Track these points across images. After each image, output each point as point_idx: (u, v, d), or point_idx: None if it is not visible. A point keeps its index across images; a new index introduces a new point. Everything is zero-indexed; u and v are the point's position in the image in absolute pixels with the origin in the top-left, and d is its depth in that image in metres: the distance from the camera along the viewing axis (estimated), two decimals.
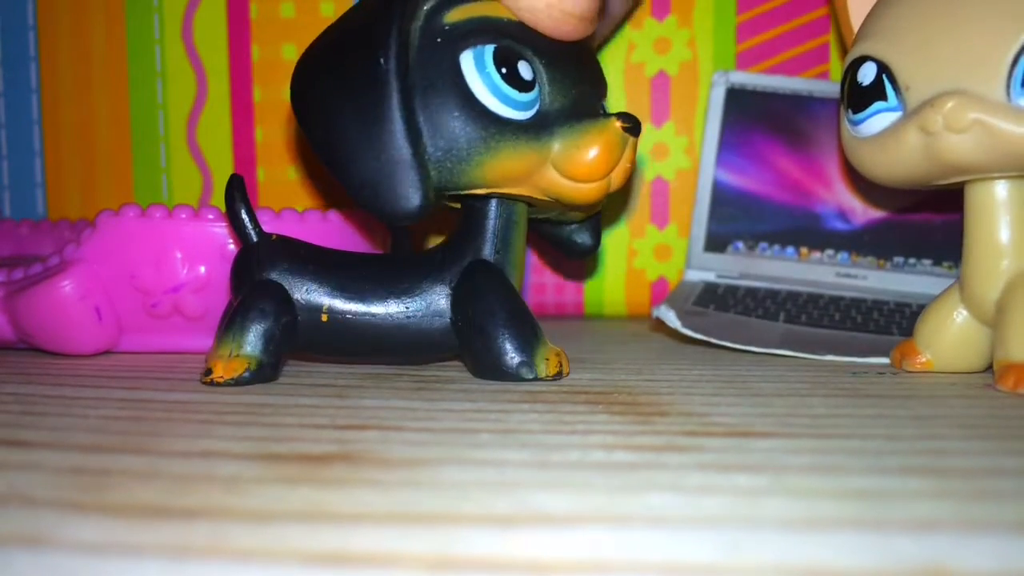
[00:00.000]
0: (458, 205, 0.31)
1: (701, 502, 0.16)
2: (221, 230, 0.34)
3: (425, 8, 0.28)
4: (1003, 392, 0.27)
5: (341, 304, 0.29)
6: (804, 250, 0.44)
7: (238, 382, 0.28)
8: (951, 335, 0.31)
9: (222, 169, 0.49)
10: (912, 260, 0.42)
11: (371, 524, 0.15)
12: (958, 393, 0.27)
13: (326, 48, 0.30)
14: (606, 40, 0.47)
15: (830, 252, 0.43)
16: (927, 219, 0.43)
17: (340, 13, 0.30)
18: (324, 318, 0.29)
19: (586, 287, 0.49)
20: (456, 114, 0.28)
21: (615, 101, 0.48)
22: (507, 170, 0.28)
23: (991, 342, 0.30)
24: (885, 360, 0.33)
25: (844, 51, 0.36)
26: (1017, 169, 0.28)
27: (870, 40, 0.30)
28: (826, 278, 0.43)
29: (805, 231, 0.44)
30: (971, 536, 0.14)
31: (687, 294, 0.42)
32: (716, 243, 0.45)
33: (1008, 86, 0.27)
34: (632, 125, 0.29)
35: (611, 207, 0.49)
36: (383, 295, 0.29)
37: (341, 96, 0.28)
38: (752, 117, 0.45)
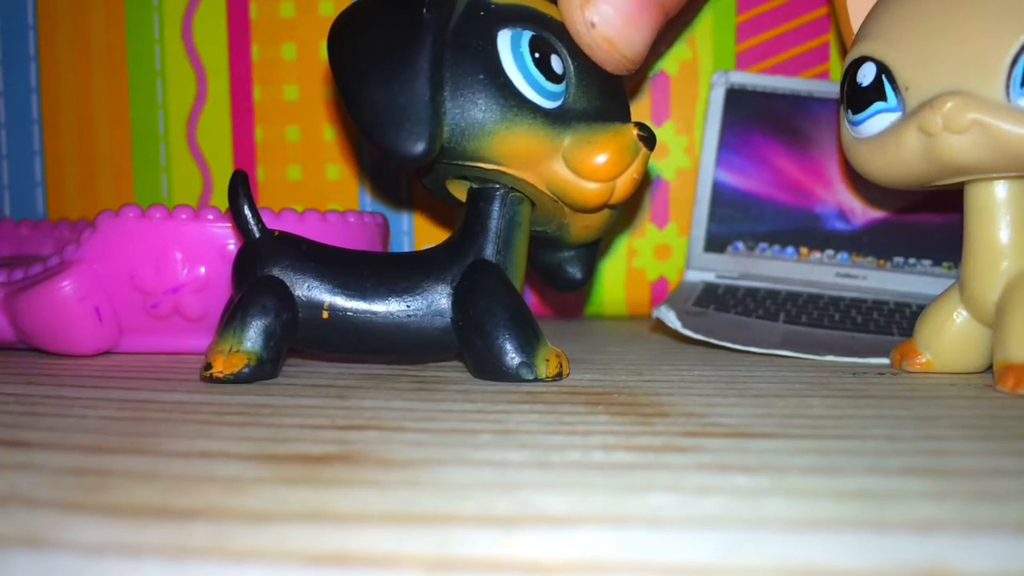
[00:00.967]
0: (462, 198, 0.31)
1: (701, 502, 0.16)
2: (221, 231, 0.34)
3: None
4: (1003, 393, 0.27)
5: (342, 301, 0.29)
6: (804, 250, 0.44)
7: (237, 378, 0.28)
8: (951, 336, 0.31)
9: (222, 169, 0.49)
10: (912, 260, 0.42)
11: (371, 524, 0.15)
12: (958, 394, 0.27)
13: (369, 5, 0.30)
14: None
15: (830, 252, 0.43)
16: (927, 219, 0.43)
17: (339, 12, 0.30)
18: (325, 315, 0.29)
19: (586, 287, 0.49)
20: (482, 78, 0.28)
21: None
22: (518, 148, 0.29)
23: (991, 343, 0.30)
24: (885, 360, 0.33)
25: (844, 51, 0.36)
26: (1017, 169, 0.28)
27: (870, 40, 0.30)
28: (826, 278, 0.43)
29: (805, 231, 0.44)
30: (972, 537, 0.14)
31: (687, 294, 0.42)
32: (716, 243, 0.45)
33: (1007, 86, 0.27)
34: (648, 135, 0.29)
35: (616, 217, 0.48)
36: (384, 293, 0.29)
37: (376, 37, 0.29)
38: (752, 117, 0.45)
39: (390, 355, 0.32)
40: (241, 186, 0.30)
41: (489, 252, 0.30)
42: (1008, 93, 0.27)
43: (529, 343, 0.29)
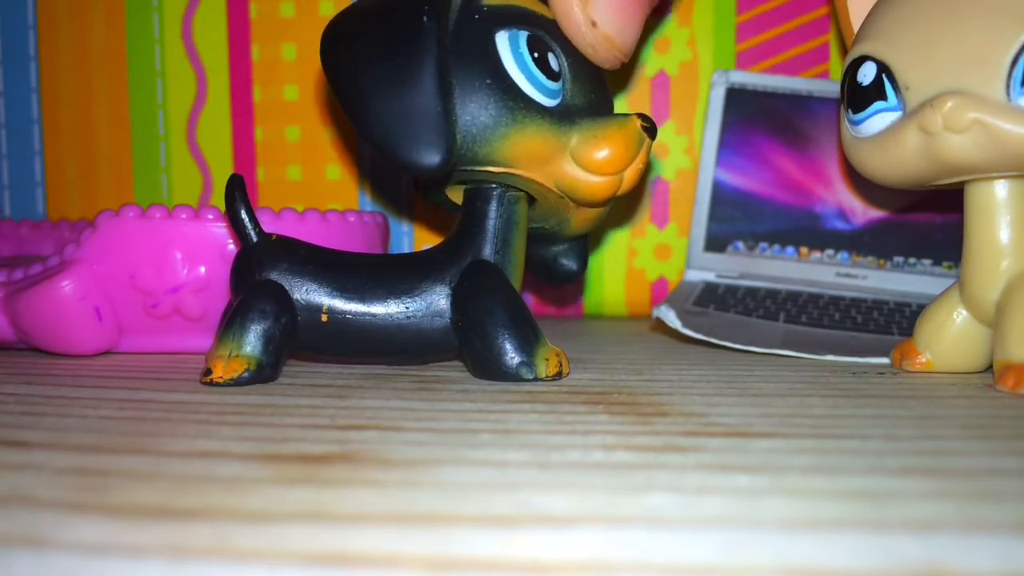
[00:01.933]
0: (459, 201, 0.31)
1: (701, 502, 0.16)
2: (221, 230, 0.34)
3: None
4: (1003, 392, 0.27)
5: (341, 304, 0.29)
6: (804, 250, 0.44)
7: (237, 382, 0.28)
8: (951, 335, 0.31)
9: (222, 169, 0.49)
10: (912, 260, 0.42)
11: (371, 524, 0.15)
12: (958, 393, 0.27)
13: (364, 5, 0.30)
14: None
15: (830, 252, 0.43)
16: (927, 219, 0.43)
17: (330, 21, 0.30)
18: (324, 318, 0.29)
19: (586, 287, 0.49)
20: (488, 82, 0.28)
21: (614, 101, 0.48)
22: (528, 149, 0.29)
23: (991, 342, 0.30)
24: (885, 360, 0.33)
25: (844, 51, 0.36)
26: (1017, 169, 0.28)
27: (870, 40, 0.30)
28: (826, 278, 0.43)
29: (805, 231, 0.44)
30: (972, 536, 0.14)
31: (687, 294, 0.42)
32: (716, 243, 0.45)
33: (1008, 86, 0.27)
34: (651, 126, 0.30)
35: (611, 208, 0.48)
36: (383, 295, 0.29)
37: (377, 46, 0.28)
38: (752, 117, 0.45)
39: (390, 357, 0.32)
40: (238, 190, 0.30)
41: (487, 252, 0.30)
42: (1008, 92, 0.27)
43: (529, 343, 0.29)
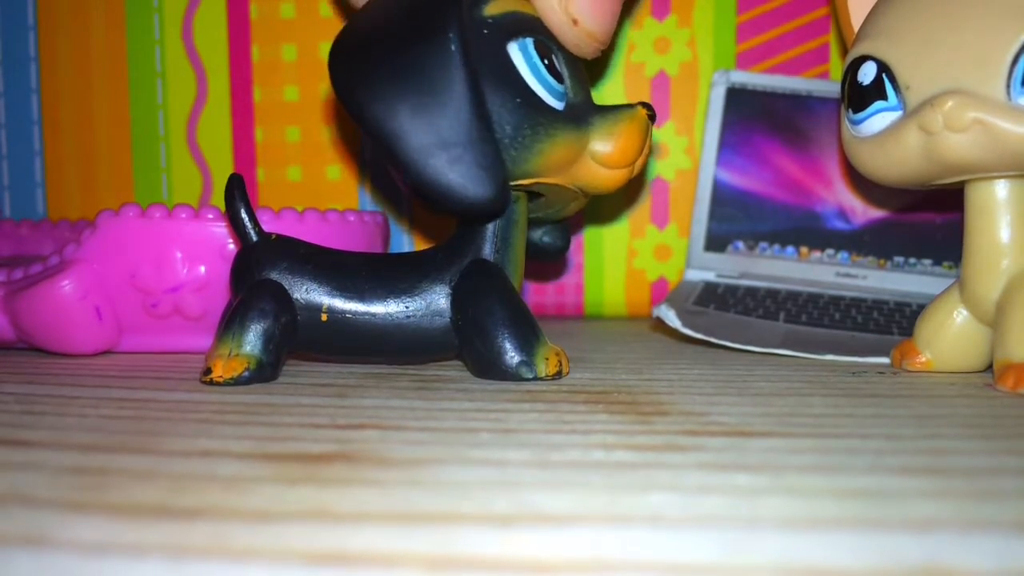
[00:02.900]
0: None
1: (701, 501, 0.16)
2: (221, 230, 0.34)
3: (470, 3, 0.28)
4: (1003, 392, 0.27)
5: (340, 303, 0.29)
6: (804, 250, 0.44)
7: (237, 381, 0.28)
8: (951, 335, 0.31)
9: (222, 169, 0.49)
10: (912, 260, 0.42)
11: (371, 523, 0.15)
12: (958, 393, 0.27)
13: (374, 36, 0.28)
14: None
15: (830, 252, 0.43)
16: (927, 219, 0.43)
17: (339, 13, 0.30)
18: (324, 317, 0.29)
19: (586, 287, 0.49)
20: (519, 101, 0.28)
21: (615, 101, 0.48)
22: (558, 159, 0.29)
23: (991, 342, 0.30)
24: (885, 360, 0.33)
25: (844, 51, 0.36)
26: (1017, 168, 0.28)
27: (870, 40, 0.30)
28: (826, 278, 0.43)
29: (805, 231, 0.44)
30: (972, 535, 0.14)
31: (687, 294, 0.42)
32: (716, 243, 0.45)
33: (1008, 85, 0.27)
34: (653, 112, 0.31)
35: (611, 208, 0.49)
36: (383, 295, 0.29)
37: (405, 85, 0.27)
38: (752, 117, 0.45)
39: (390, 356, 0.32)
40: (237, 190, 0.30)
41: (487, 251, 0.30)
42: (1008, 92, 0.27)
43: (528, 342, 0.29)
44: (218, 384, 0.28)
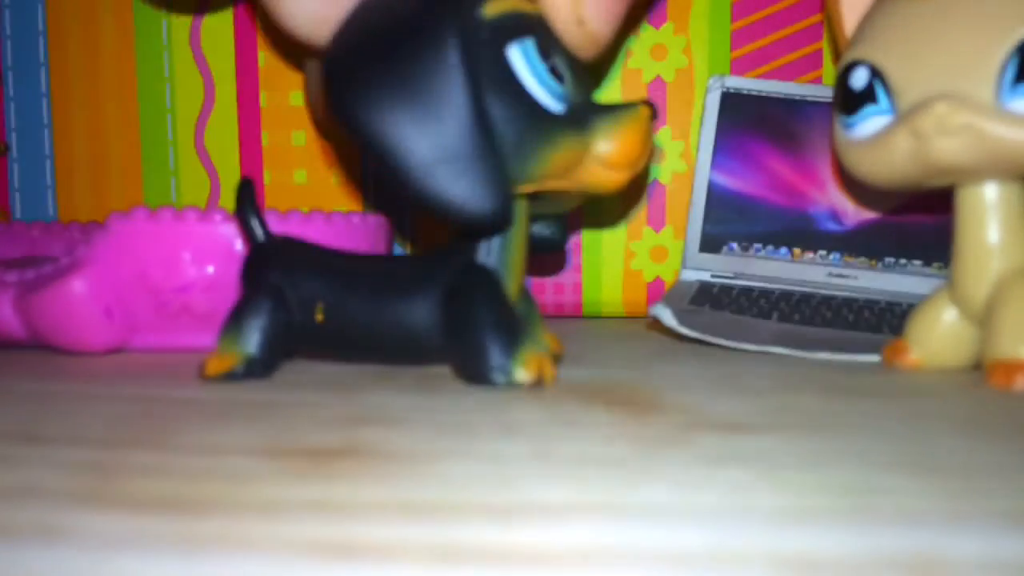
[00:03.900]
0: None
1: (697, 495, 0.16)
2: (228, 231, 0.34)
3: (467, 4, 0.27)
4: (993, 389, 0.27)
5: (335, 304, 0.29)
6: (797, 250, 0.44)
7: (230, 376, 0.28)
8: (941, 333, 0.31)
9: (230, 172, 0.50)
10: (903, 261, 0.43)
11: (376, 516, 0.15)
12: (947, 390, 0.28)
13: (371, 47, 0.27)
14: None
15: (822, 253, 0.44)
16: (918, 220, 0.43)
17: (334, 41, 0.29)
18: (319, 318, 0.29)
19: (584, 287, 0.50)
20: (521, 109, 0.27)
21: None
22: (560, 164, 0.28)
23: (981, 340, 0.30)
24: (876, 358, 0.33)
25: (838, 57, 0.36)
26: (1007, 172, 0.29)
27: (863, 45, 0.31)
28: (818, 278, 0.43)
29: (798, 232, 0.44)
30: (957, 526, 0.15)
31: (683, 293, 0.42)
32: (711, 244, 0.45)
33: (998, 89, 0.27)
34: (655, 110, 0.30)
35: (609, 210, 0.49)
36: (376, 296, 0.29)
37: (404, 99, 0.26)
38: (747, 121, 0.45)
39: (382, 358, 0.32)
40: (245, 194, 0.30)
41: (480, 254, 0.29)
42: (998, 96, 0.27)
43: (508, 348, 0.28)
44: (211, 379, 0.28)
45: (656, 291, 0.49)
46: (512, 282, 0.30)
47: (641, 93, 0.48)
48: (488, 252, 0.29)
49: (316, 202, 0.49)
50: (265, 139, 0.49)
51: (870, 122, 0.30)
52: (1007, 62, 0.27)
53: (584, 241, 0.49)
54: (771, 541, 0.14)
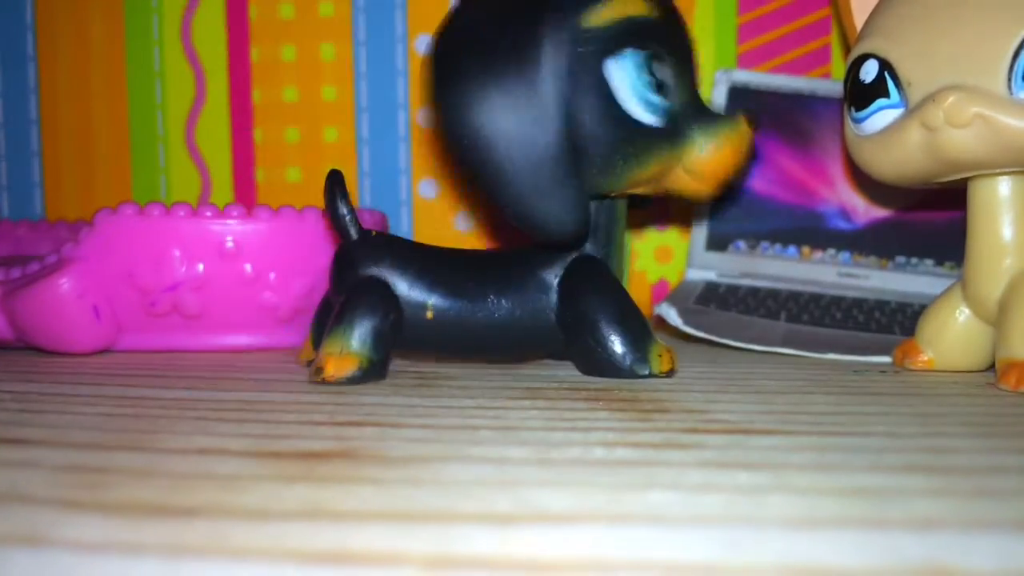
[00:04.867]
0: None
1: (702, 500, 0.16)
2: (219, 228, 0.34)
3: (569, 13, 0.27)
4: (1005, 390, 0.27)
5: (446, 301, 0.29)
6: (806, 249, 0.44)
7: (351, 380, 0.27)
8: (953, 334, 0.31)
9: (221, 170, 0.49)
10: (914, 260, 0.42)
11: (370, 522, 0.15)
12: (960, 391, 0.27)
13: (471, 61, 0.27)
14: None
15: (832, 252, 0.43)
16: (930, 219, 0.43)
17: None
18: (429, 315, 0.29)
19: None
20: (612, 129, 0.27)
21: None
22: (647, 175, 0.29)
23: (993, 341, 0.30)
24: (887, 359, 0.33)
25: (846, 50, 0.36)
26: (1019, 164, 0.28)
27: (872, 38, 0.30)
28: (828, 278, 0.43)
29: (807, 230, 0.44)
30: (972, 534, 0.14)
31: (688, 293, 0.42)
32: (717, 242, 0.45)
33: (1009, 80, 0.27)
34: (757, 124, 0.30)
35: None
36: (487, 292, 0.29)
37: (500, 115, 0.26)
38: None
39: (494, 355, 0.32)
40: (337, 187, 0.29)
41: (590, 247, 0.30)
42: (1010, 87, 0.27)
43: (642, 339, 0.28)
44: (330, 383, 0.27)
45: (660, 293, 0.49)
46: (619, 275, 0.30)
47: None
48: (596, 244, 0.30)
49: (310, 200, 0.49)
50: (258, 136, 0.49)
51: (880, 116, 0.30)
52: (1018, 52, 0.27)
53: None
54: (780, 549, 0.14)
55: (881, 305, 0.41)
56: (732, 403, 0.25)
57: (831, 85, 0.45)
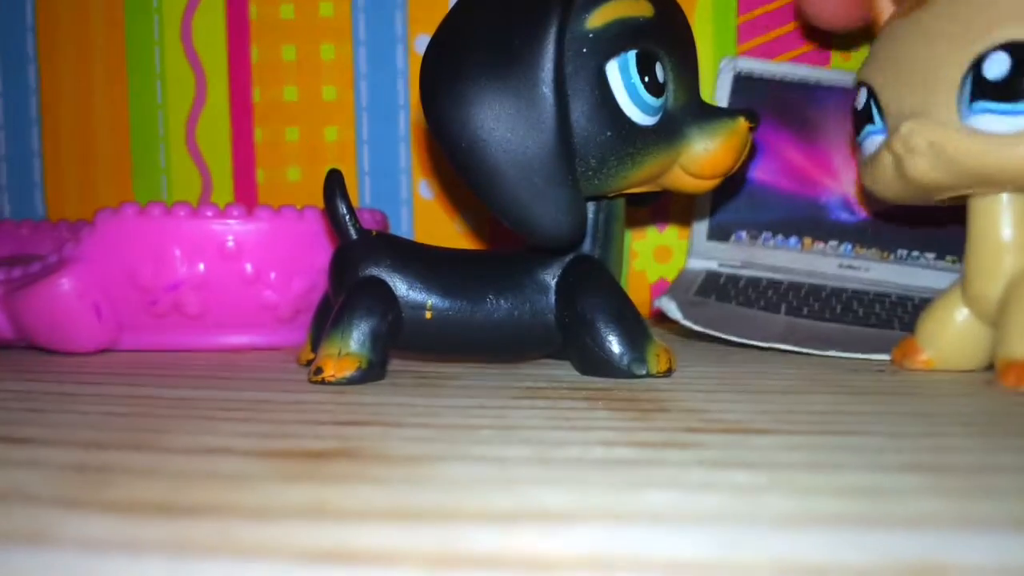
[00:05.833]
0: None
1: (701, 499, 0.16)
2: (220, 228, 0.34)
3: (573, 14, 0.27)
4: (1004, 390, 0.27)
5: (445, 301, 0.29)
6: (807, 240, 0.44)
7: (350, 381, 0.27)
8: (953, 333, 0.31)
9: (222, 170, 0.49)
10: (916, 253, 0.42)
11: (372, 521, 0.15)
12: (959, 391, 0.27)
13: (471, 59, 0.27)
14: None
15: (833, 243, 0.43)
16: (932, 212, 0.43)
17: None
18: (428, 315, 0.29)
19: None
20: (609, 133, 0.27)
21: None
22: (643, 176, 0.29)
23: (993, 340, 0.30)
24: (886, 357, 0.33)
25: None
26: (977, 186, 0.29)
27: (865, 66, 0.31)
28: (829, 269, 0.43)
29: (809, 221, 0.44)
30: (971, 533, 0.14)
31: (689, 283, 0.42)
32: (719, 232, 0.45)
33: (959, 106, 0.27)
34: (756, 124, 0.30)
35: None
36: (486, 292, 0.29)
37: (497, 115, 0.26)
38: (758, 104, 0.45)
39: (494, 354, 0.32)
40: (337, 186, 0.29)
41: (588, 247, 0.30)
42: (959, 113, 0.27)
43: (639, 339, 0.28)
44: (330, 383, 0.27)
45: (659, 292, 0.49)
46: (616, 275, 0.30)
47: None
48: (594, 244, 0.30)
49: (311, 199, 0.49)
50: (258, 136, 0.49)
51: (870, 141, 0.31)
52: (964, 79, 0.27)
53: None
54: (778, 547, 0.14)
55: (881, 298, 0.40)
56: (731, 402, 0.25)
57: (836, 75, 0.44)
